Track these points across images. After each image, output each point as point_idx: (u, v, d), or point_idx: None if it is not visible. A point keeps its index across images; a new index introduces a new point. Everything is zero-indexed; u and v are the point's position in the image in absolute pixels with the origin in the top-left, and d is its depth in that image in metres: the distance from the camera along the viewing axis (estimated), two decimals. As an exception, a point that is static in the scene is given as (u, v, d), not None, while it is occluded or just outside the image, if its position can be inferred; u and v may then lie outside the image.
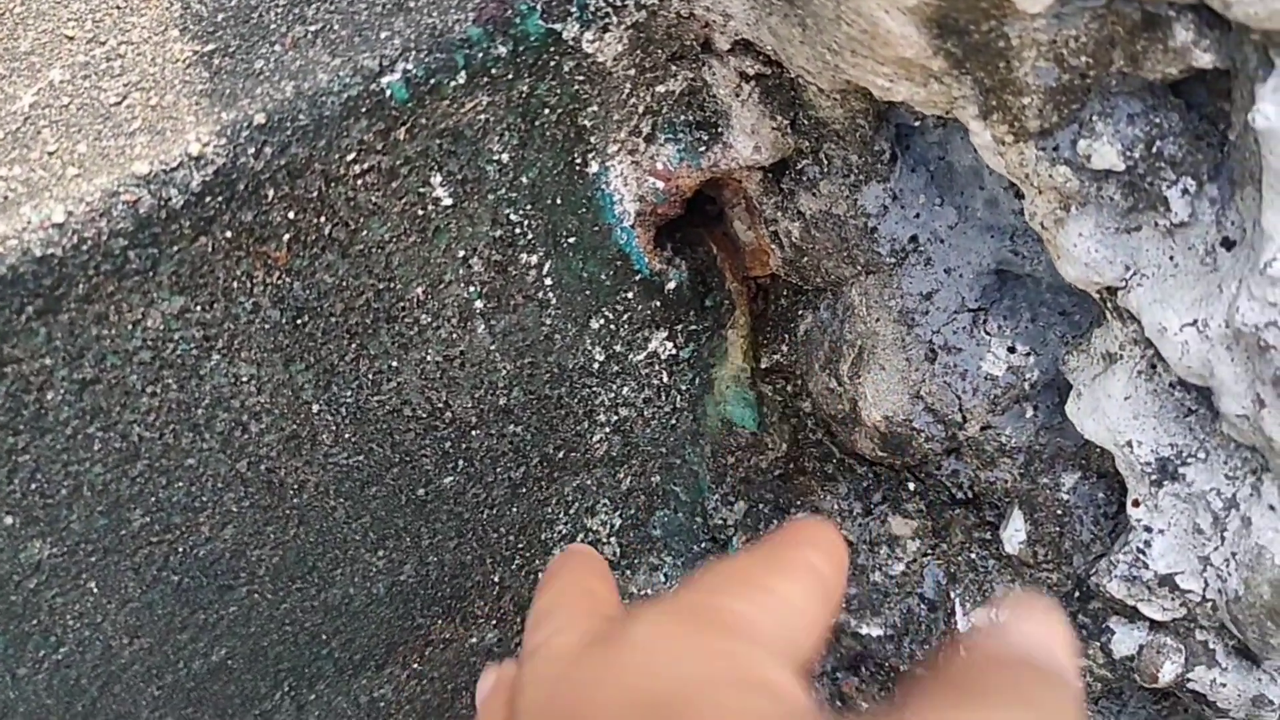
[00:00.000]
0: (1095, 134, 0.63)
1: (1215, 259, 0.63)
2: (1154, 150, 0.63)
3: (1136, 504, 0.71)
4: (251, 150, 0.64)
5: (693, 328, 0.90)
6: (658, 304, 0.87)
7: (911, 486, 0.89)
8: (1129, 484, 0.72)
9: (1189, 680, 0.74)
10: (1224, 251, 0.62)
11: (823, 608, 0.46)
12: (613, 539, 0.98)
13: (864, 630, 0.89)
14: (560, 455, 0.90)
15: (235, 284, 0.68)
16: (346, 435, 0.78)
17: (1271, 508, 0.65)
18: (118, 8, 0.71)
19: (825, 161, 0.78)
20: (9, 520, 0.69)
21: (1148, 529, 0.71)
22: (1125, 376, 0.70)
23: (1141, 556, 0.72)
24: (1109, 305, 0.69)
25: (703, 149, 0.80)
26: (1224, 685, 0.73)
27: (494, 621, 0.96)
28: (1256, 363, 0.59)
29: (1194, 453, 0.68)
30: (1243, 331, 0.59)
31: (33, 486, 0.69)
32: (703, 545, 1.00)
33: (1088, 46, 0.60)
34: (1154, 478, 0.70)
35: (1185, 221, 0.63)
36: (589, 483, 0.93)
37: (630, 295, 0.85)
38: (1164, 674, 0.74)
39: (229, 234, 0.66)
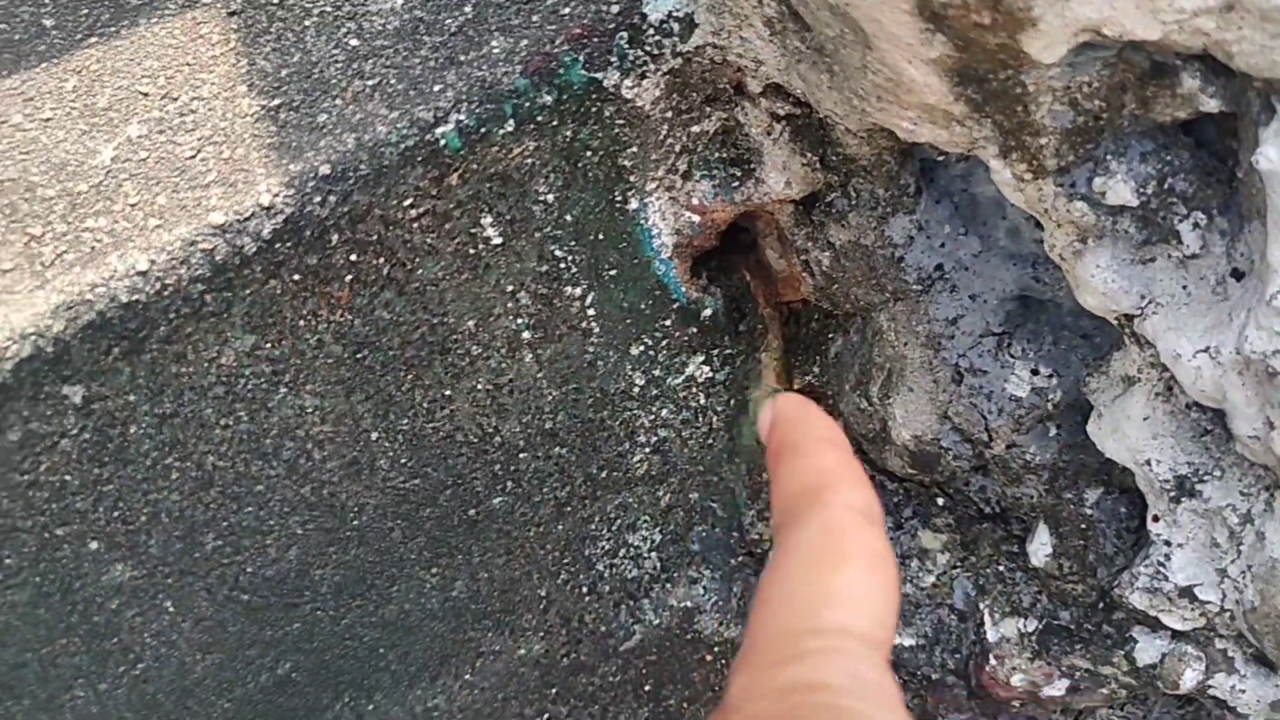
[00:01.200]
0: (1110, 172, 0.67)
1: (1226, 288, 0.66)
2: (1166, 186, 0.66)
3: (1156, 519, 0.75)
4: (317, 199, 0.69)
5: (728, 352, 0.94)
6: (694, 330, 0.91)
7: (941, 502, 0.93)
8: (1149, 500, 0.75)
9: (1210, 687, 0.78)
10: (1234, 281, 0.66)
11: (891, 578, 0.46)
12: (653, 554, 1.02)
13: (896, 640, 0.93)
14: (603, 475, 0.94)
15: (302, 322, 0.73)
16: (403, 460, 0.83)
17: (1283, 523, 0.68)
18: (188, 65, 0.76)
19: (853, 195, 0.82)
20: (93, 545, 0.74)
21: (1167, 543, 0.75)
22: (1143, 398, 0.74)
23: (1162, 569, 0.75)
24: (1127, 331, 0.72)
25: (736, 184, 0.84)
26: (1243, 691, 0.77)
27: (541, 634, 1.00)
28: (1265, 388, 0.63)
29: (1210, 470, 0.72)
30: (1251, 358, 0.62)
31: (115, 514, 0.73)
32: (739, 559, 1.04)
33: (1100, 91, 0.64)
34: (1172, 494, 0.73)
35: (1196, 253, 0.67)
36: (630, 500, 0.98)
37: (669, 323, 0.89)
38: (1185, 681, 0.77)
39: (296, 276, 0.71)
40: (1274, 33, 0.55)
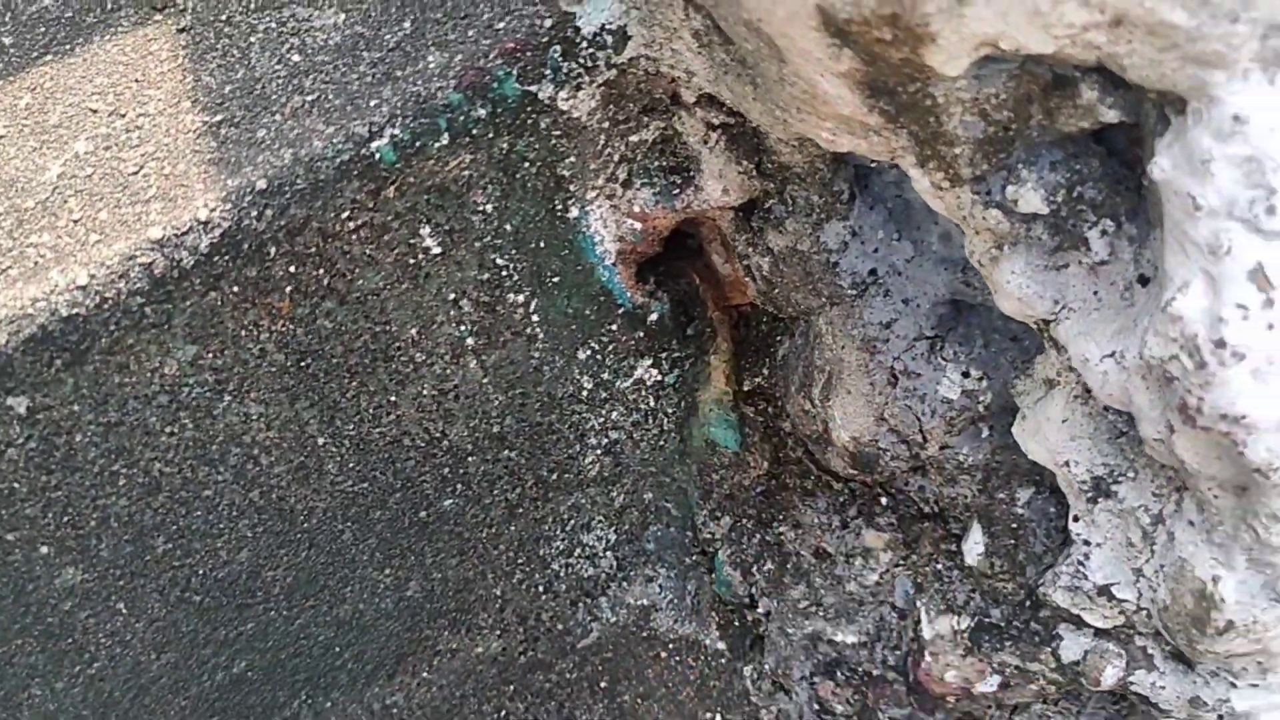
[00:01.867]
0: (1021, 180, 0.68)
1: (1133, 294, 0.68)
2: (1075, 194, 0.68)
3: (1076, 519, 0.77)
4: (254, 213, 0.71)
5: (676, 355, 0.96)
6: (641, 334, 0.93)
7: (884, 502, 0.95)
8: (1069, 500, 0.77)
9: (1131, 683, 0.79)
10: (1140, 287, 0.68)
11: None
12: (608, 553, 1.04)
13: (839, 637, 0.95)
14: (554, 476, 0.97)
15: (243, 332, 0.75)
16: (351, 464, 0.85)
17: (1191, 523, 0.70)
18: (137, 81, 0.78)
19: (790, 201, 0.84)
20: (44, 550, 0.76)
21: (1086, 542, 0.76)
22: (1062, 401, 0.76)
23: (1081, 568, 0.77)
24: (1045, 335, 0.74)
25: (676, 192, 0.86)
26: (1163, 688, 0.78)
27: (498, 632, 1.03)
28: (1164, 392, 0.65)
29: (1125, 472, 0.74)
30: (1151, 363, 0.64)
31: (65, 519, 0.76)
32: (694, 557, 1.06)
33: (1008, 103, 0.65)
34: (1090, 495, 0.75)
35: (1105, 260, 0.69)
36: (583, 501, 1.00)
37: (615, 327, 0.92)
38: (1106, 678, 0.79)
39: (236, 288, 0.73)
40: (1162, 46, 0.57)
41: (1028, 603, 0.84)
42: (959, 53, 0.61)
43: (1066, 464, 0.76)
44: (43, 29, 0.84)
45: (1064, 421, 0.76)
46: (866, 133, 0.71)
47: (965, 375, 0.84)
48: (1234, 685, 0.76)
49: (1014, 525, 0.85)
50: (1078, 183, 0.68)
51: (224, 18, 0.81)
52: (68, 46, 0.83)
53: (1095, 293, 0.70)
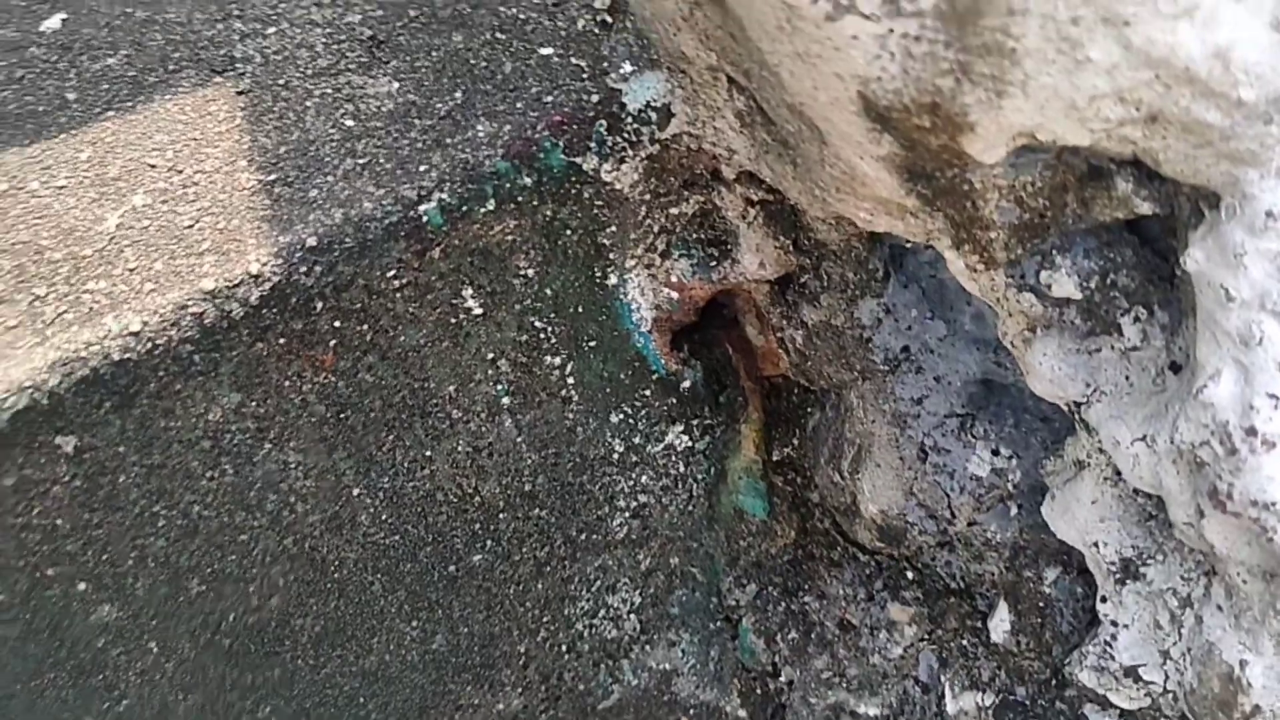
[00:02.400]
0: (1055, 266, 0.70)
1: (1164, 380, 0.69)
2: (1108, 281, 0.69)
3: (1104, 600, 0.77)
4: (304, 269, 0.73)
5: (708, 422, 0.97)
6: (674, 400, 0.94)
7: (910, 575, 0.95)
8: (1098, 581, 0.77)
9: (1156, 769, 0.79)
10: (1171, 374, 0.69)
11: None
12: (632, 615, 1.05)
13: (862, 709, 0.95)
14: (583, 537, 0.97)
15: (287, 383, 0.77)
16: (384, 517, 0.86)
17: (1219, 608, 0.70)
18: (195, 139, 0.81)
19: (825, 277, 0.86)
20: (81, 586, 0.78)
21: (1114, 623, 0.76)
22: (1093, 482, 0.76)
23: (1109, 648, 0.77)
24: (1076, 417, 0.75)
25: (713, 264, 0.88)
26: (1189, 775, 0.78)
27: (520, 690, 1.03)
28: (1195, 477, 0.65)
29: (1153, 554, 0.74)
30: (1182, 449, 0.65)
31: (104, 557, 0.77)
32: (718, 624, 1.07)
33: (1043, 191, 0.67)
34: (1118, 576, 0.75)
35: (1137, 345, 0.70)
36: (610, 563, 1.01)
37: (648, 393, 0.93)
38: (1132, 762, 0.79)
39: (282, 340, 0.75)
40: (1197, 143, 0.58)
41: (1053, 682, 0.84)
42: (997, 142, 0.63)
43: (1095, 545, 0.76)
44: (106, 86, 0.87)
45: (1094, 503, 0.76)
46: (903, 214, 0.72)
47: (995, 454, 0.85)
48: (1258, 777, 0.75)
49: (1041, 604, 0.85)
50: (1111, 270, 0.69)
51: (282, 82, 0.84)
52: (129, 104, 0.86)
53: (1127, 377, 0.71)
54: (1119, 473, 0.75)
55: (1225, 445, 0.62)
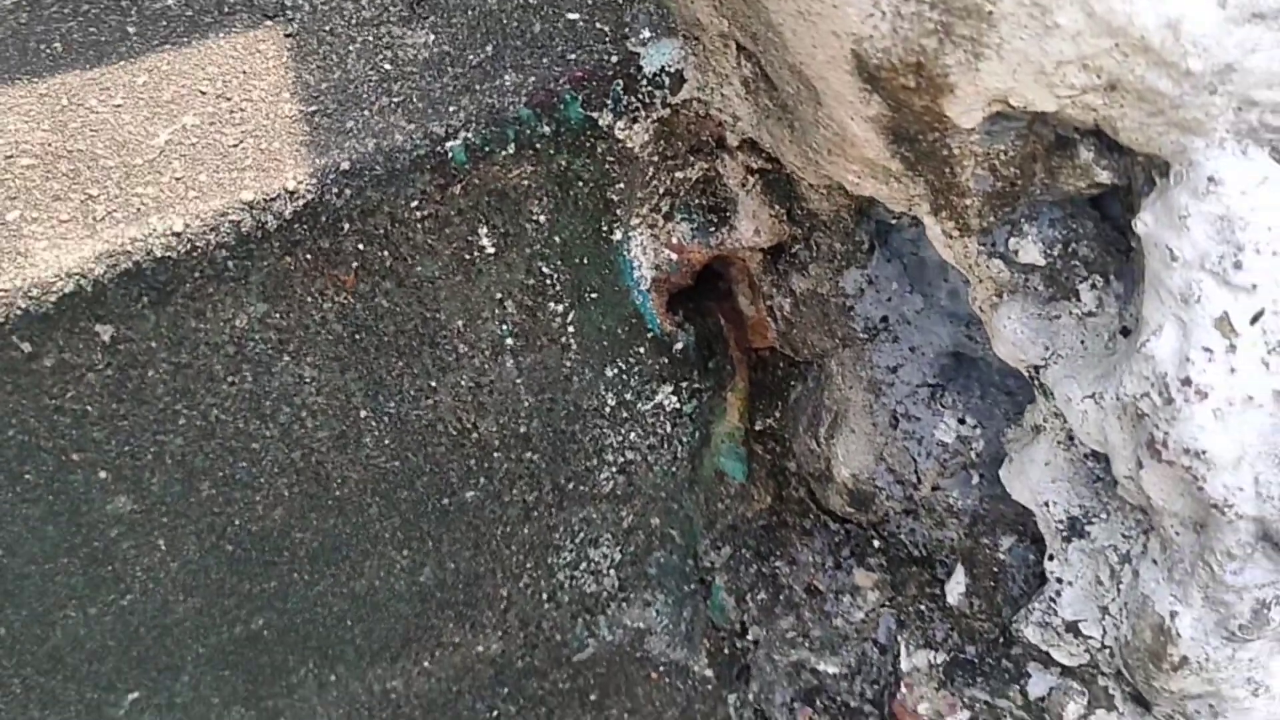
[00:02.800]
0: (1023, 233, 0.76)
1: (1115, 345, 0.75)
2: (1070, 250, 0.76)
3: (1051, 558, 0.83)
4: (335, 190, 0.80)
5: (696, 386, 1.03)
6: (666, 361, 1.00)
7: (876, 544, 1.01)
8: (1046, 540, 0.83)
9: (1092, 722, 0.84)
10: (1122, 339, 0.75)
11: None
12: (612, 571, 1.10)
13: (822, 667, 1.00)
14: (570, 486, 1.03)
15: (309, 299, 0.83)
16: (386, 441, 0.92)
17: (1154, 561, 0.76)
18: (244, 72, 0.87)
19: (814, 247, 0.92)
20: (103, 474, 0.83)
21: (1059, 580, 0.82)
22: (1047, 445, 0.82)
23: (1053, 604, 0.82)
24: (1035, 382, 0.81)
25: (712, 229, 0.94)
26: (1122, 728, 0.83)
27: (499, 633, 1.08)
28: (1136, 429, 0.71)
29: (1098, 513, 0.80)
30: (1125, 402, 0.71)
31: (125, 449, 0.83)
32: (692, 586, 1.12)
33: (1015, 159, 0.73)
34: (1065, 534, 0.81)
35: (1093, 311, 0.76)
36: (594, 516, 1.06)
37: (642, 350, 0.99)
38: (1068, 715, 0.84)
39: (309, 257, 0.81)
40: (1150, 111, 0.65)
41: (1001, 640, 0.89)
42: (974, 105, 0.69)
43: (1046, 504, 0.82)
44: (164, 23, 0.94)
45: (1047, 464, 0.82)
46: (888, 178, 0.79)
47: (961, 422, 0.91)
48: (1186, 730, 0.81)
49: (995, 569, 0.90)
50: (1073, 240, 0.76)
51: (328, 28, 0.91)
52: (185, 40, 0.92)
53: (1082, 341, 0.77)
54: (1071, 437, 0.81)
55: (1163, 395, 0.68)
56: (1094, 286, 0.76)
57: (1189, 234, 0.66)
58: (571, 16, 0.87)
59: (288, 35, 0.91)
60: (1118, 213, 0.77)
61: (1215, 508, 0.69)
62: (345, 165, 0.80)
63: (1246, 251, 0.64)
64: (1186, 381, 0.67)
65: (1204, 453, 0.68)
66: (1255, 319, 0.66)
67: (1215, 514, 0.69)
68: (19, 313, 0.75)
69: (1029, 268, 0.77)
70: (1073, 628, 0.82)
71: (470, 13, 0.89)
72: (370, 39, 0.90)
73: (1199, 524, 0.72)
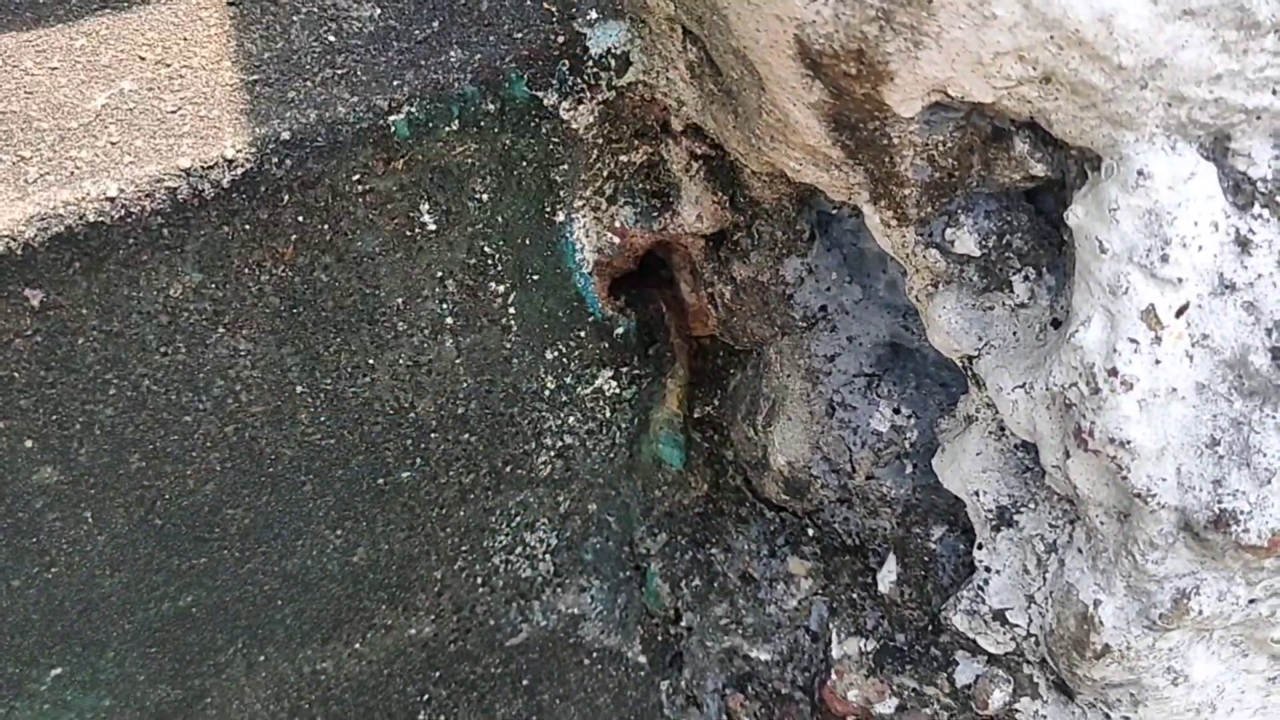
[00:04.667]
0: (959, 224, 0.77)
1: (1046, 336, 0.76)
2: (1004, 242, 0.77)
3: (980, 547, 0.84)
4: (275, 160, 0.79)
5: (636, 371, 1.04)
6: (606, 345, 1.01)
7: (810, 532, 1.01)
8: (976, 529, 0.84)
9: (1016, 711, 0.85)
10: (1053, 330, 0.76)
11: None
12: (548, 556, 1.10)
13: (754, 654, 1.01)
14: (508, 469, 1.03)
15: (246, 270, 0.82)
16: (322, 418, 0.91)
17: (1080, 551, 0.77)
18: (184, 39, 0.86)
19: (756, 235, 0.93)
20: (28, 444, 0.82)
21: (987, 569, 0.83)
22: (979, 435, 0.83)
23: (980, 593, 0.83)
24: (969, 372, 0.82)
25: (655, 214, 0.94)
26: (1045, 717, 0.84)
27: (432, 616, 1.07)
28: (1064, 419, 0.72)
29: (1026, 503, 0.81)
30: (1054, 392, 0.72)
31: (53, 418, 0.82)
32: (627, 572, 1.12)
33: (953, 150, 0.74)
34: (994, 524, 0.82)
35: (1025, 303, 0.77)
36: (531, 500, 1.06)
37: (583, 334, 0.99)
38: (993, 702, 0.85)
39: (247, 227, 0.80)
40: (1083, 104, 0.66)
41: (930, 629, 0.90)
42: (914, 94, 0.70)
43: (976, 494, 0.83)
44: (106, -9, 0.93)
45: (978, 454, 0.83)
46: (829, 166, 0.79)
47: (896, 412, 0.92)
48: (1108, 717, 0.82)
49: (925, 558, 0.91)
50: (1008, 232, 0.77)
51: None
52: (125, 5, 0.91)
53: (1014, 332, 0.78)
54: (1003, 428, 0.82)
55: (1090, 386, 0.69)
56: (1027, 278, 0.77)
57: (1118, 227, 0.67)
58: (519, -5, 0.87)
59: (230, 3, 0.90)
60: (1051, 207, 0.78)
61: (1139, 497, 0.70)
62: (286, 135, 0.80)
63: (1173, 245, 0.66)
64: (1113, 372, 0.68)
65: (1129, 443, 0.69)
66: (1180, 312, 0.67)
67: (1139, 504, 0.70)
68: (-55, 274, 0.74)
69: (964, 258, 0.78)
70: (999, 616, 0.83)
71: (417, -11, 0.89)
72: (315, 10, 0.89)
73: (1123, 514, 0.73)
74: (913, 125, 0.73)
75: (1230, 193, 0.66)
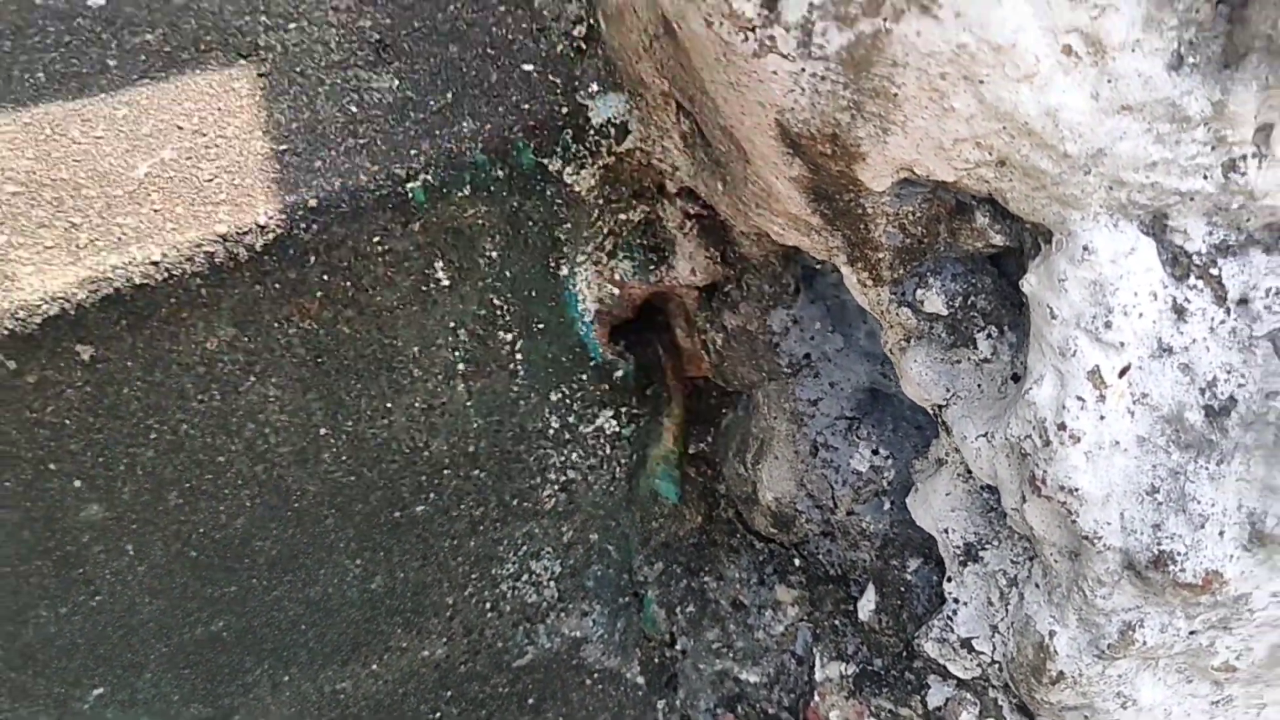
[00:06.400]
0: (928, 285, 0.84)
1: (1006, 390, 0.83)
2: (969, 302, 0.84)
3: (949, 580, 0.91)
4: (303, 225, 0.87)
5: (635, 411, 1.11)
6: (607, 387, 1.08)
7: (797, 563, 1.08)
8: (946, 563, 0.91)
9: (983, 730, 0.92)
10: (1013, 384, 0.83)
11: None
12: (552, 583, 1.17)
13: (744, 676, 1.08)
14: (515, 503, 1.10)
15: (276, 324, 0.90)
16: (344, 458, 0.99)
17: (1037, 585, 0.84)
18: (219, 109, 0.94)
19: (745, 288, 1.00)
20: (77, 484, 0.89)
21: (955, 600, 0.90)
22: (948, 477, 0.90)
23: (950, 622, 0.90)
24: (939, 420, 0.89)
25: (652, 268, 1.02)
26: (1009, 736, 0.91)
27: (444, 639, 1.15)
28: (1020, 467, 0.80)
29: (991, 540, 0.88)
30: (1011, 442, 0.79)
31: (99, 460, 0.89)
32: (626, 599, 1.19)
33: (922, 220, 0.82)
34: (961, 559, 0.89)
35: (988, 359, 0.84)
36: (536, 531, 1.13)
37: (585, 377, 1.06)
38: (962, 722, 0.92)
39: (277, 285, 0.88)
40: (1034, 186, 0.73)
41: (905, 655, 0.97)
42: (884, 172, 0.77)
43: (945, 531, 0.90)
44: (143, 58, 1.01)
45: (947, 494, 0.90)
46: (809, 231, 0.87)
47: (875, 453, 0.99)
48: (1065, 738, 0.89)
49: (902, 589, 0.98)
50: (972, 293, 0.84)
51: (299, 69, 0.98)
52: (163, 75, 0.99)
53: (979, 385, 0.85)
54: (969, 471, 0.89)
55: (1042, 438, 0.77)
56: (990, 336, 0.84)
57: (1067, 295, 0.74)
58: (526, 68, 0.95)
59: (260, 75, 0.97)
60: (1013, 270, 0.85)
61: (1086, 539, 0.77)
62: (313, 202, 0.87)
63: (1116, 313, 0.73)
64: (1062, 426, 0.75)
65: (1077, 490, 0.76)
66: (1123, 373, 0.74)
67: (1087, 545, 0.77)
68: (5, 333, 0.81)
69: (933, 316, 0.85)
70: (966, 644, 0.90)
71: (432, 60, 0.96)
72: (339, 82, 0.96)
73: (1074, 553, 0.80)
74: (884, 198, 0.80)
75: (1169, 264, 0.74)
